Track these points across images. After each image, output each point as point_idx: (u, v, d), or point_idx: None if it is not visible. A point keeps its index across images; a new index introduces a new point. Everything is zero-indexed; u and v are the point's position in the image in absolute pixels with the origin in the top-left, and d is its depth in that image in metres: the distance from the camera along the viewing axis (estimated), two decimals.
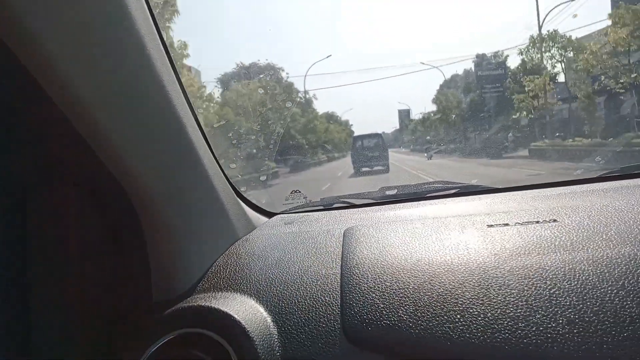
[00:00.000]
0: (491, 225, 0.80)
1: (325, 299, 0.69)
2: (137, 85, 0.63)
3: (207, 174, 0.82)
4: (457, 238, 0.77)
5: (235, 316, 0.65)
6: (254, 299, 0.72)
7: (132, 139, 0.63)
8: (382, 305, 0.63)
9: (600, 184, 1.10)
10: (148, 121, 0.67)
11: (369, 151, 17.99)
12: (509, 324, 0.56)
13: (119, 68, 0.59)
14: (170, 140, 0.72)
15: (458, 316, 0.59)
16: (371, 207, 1.18)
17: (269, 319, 0.68)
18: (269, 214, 1.20)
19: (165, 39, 0.68)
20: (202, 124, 0.82)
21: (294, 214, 1.19)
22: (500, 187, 1.22)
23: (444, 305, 0.61)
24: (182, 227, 0.76)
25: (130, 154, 0.63)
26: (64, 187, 0.65)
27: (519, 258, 0.67)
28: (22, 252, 0.64)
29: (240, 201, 1.03)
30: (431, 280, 0.66)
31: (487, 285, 0.62)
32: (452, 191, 1.24)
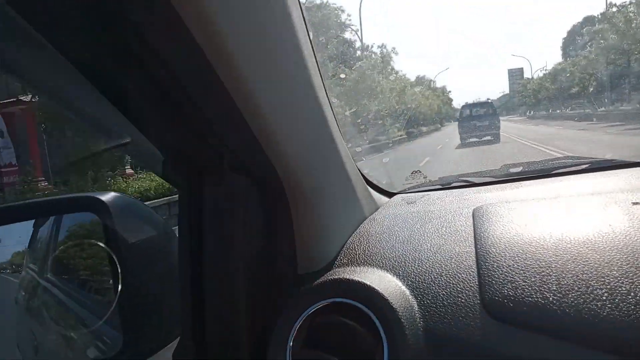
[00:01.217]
0: (636, 203, 0.75)
1: (462, 276, 0.71)
2: (293, 84, 0.72)
3: (342, 159, 0.89)
4: (598, 216, 0.74)
5: (378, 289, 0.71)
6: (390, 274, 0.77)
7: (289, 133, 0.72)
8: (523, 283, 0.64)
9: None
10: (299, 116, 0.75)
11: (479, 120, 17.12)
12: None
13: (283, 69, 0.68)
14: (315, 132, 0.80)
15: (606, 294, 0.58)
16: (494, 186, 1.16)
17: (407, 292, 0.72)
18: (389, 194, 1.24)
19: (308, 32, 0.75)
20: (334, 111, 0.89)
21: (413, 194, 1.21)
22: (636, 160, 1.11)
23: (589, 284, 0.60)
24: (322, 207, 0.83)
25: (283, 139, 0.71)
26: (234, 174, 0.76)
27: None
28: (199, 227, 0.77)
29: (365, 182, 1.08)
30: (575, 259, 0.65)
31: (637, 264, 0.60)
32: (584, 166, 1.16)
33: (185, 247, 0.78)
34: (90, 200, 0.87)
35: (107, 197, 0.86)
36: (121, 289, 0.85)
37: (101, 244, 0.89)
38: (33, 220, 1.01)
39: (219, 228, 0.77)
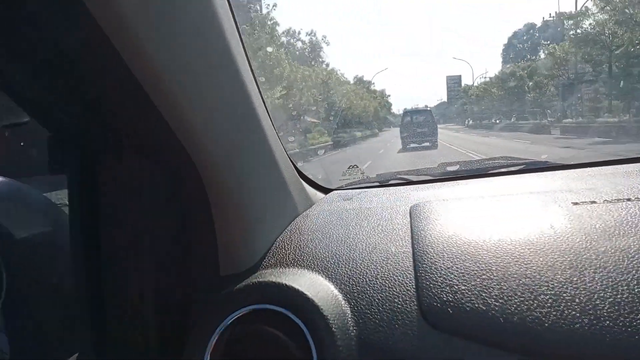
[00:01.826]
0: (576, 203, 0.73)
1: (399, 279, 0.65)
2: (208, 57, 0.61)
3: (271, 149, 0.80)
4: (539, 216, 0.72)
5: (307, 293, 0.63)
6: (322, 276, 0.70)
7: (203, 112, 0.61)
8: (463, 287, 0.60)
9: None
10: (218, 94, 0.65)
11: (419, 127, 18.31)
12: (609, 311, 0.51)
13: (193, 38, 0.57)
14: (237, 115, 0.70)
15: (550, 301, 0.54)
16: (431, 184, 1.13)
17: (340, 297, 0.66)
18: (325, 190, 1.17)
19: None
20: (263, 96, 0.80)
21: (350, 190, 1.16)
22: (572, 162, 1.13)
23: (533, 289, 0.56)
24: (248, 202, 0.74)
25: (201, 127, 0.62)
26: (135, 157, 0.65)
27: (615, 239, 0.61)
28: (94, 220, 0.65)
29: (298, 176, 1.00)
30: (517, 261, 0.61)
31: (581, 268, 0.57)
32: (520, 167, 1.16)
33: (78, 242, 0.66)
34: None
35: None
36: (4, 296, 0.71)
37: None
38: None
39: (119, 219, 0.66)
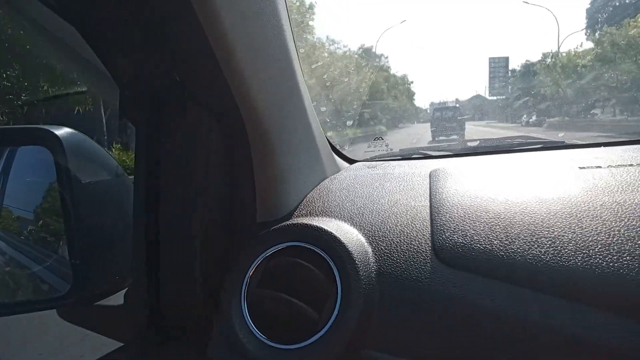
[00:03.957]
0: (583, 167, 0.80)
1: (416, 226, 0.74)
2: (266, 32, 0.72)
3: (307, 113, 0.89)
4: (546, 176, 0.79)
5: (335, 233, 0.72)
6: (347, 224, 0.79)
7: (257, 77, 0.72)
8: (472, 232, 0.68)
9: None
10: (270, 64, 0.76)
11: (447, 122, 20.76)
12: (600, 250, 0.58)
13: (256, 18, 0.69)
14: (283, 82, 0.81)
15: (549, 242, 0.62)
16: (452, 158, 1.20)
17: (363, 240, 0.74)
18: (351, 161, 1.26)
19: None
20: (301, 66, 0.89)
21: (375, 162, 1.24)
22: (590, 142, 1.17)
23: (535, 233, 0.64)
24: (284, 158, 0.84)
25: (255, 89, 0.72)
26: (196, 110, 0.75)
27: (613, 195, 0.68)
28: (157, 167, 0.76)
29: (328, 144, 1.09)
30: (522, 211, 0.69)
31: (580, 217, 0.64)
32: (538, 145, 1.22)
33: (142, 188, 0.77)
34: (42, 133, 0.82)
35: (62, 132, 0.82)
36: (71, 231, 0.82)
37: (52, 184, 0.86)
38: None
39: (179, 168, 0.77)
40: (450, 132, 19.58)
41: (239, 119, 0.74)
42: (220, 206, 0.82)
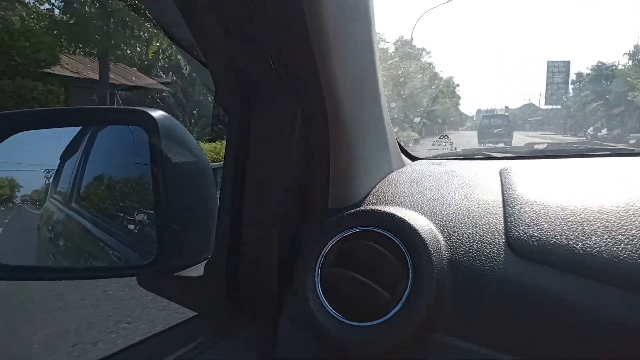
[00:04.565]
0: None
1: (489, 219, 0.75)
2: (355, 33, 0.79)
3: (380, 106, 0.93)
4: (621, 181, 0.79)
5: (407, 219, 0.75)
6: (418, 213, 0.81)
7: (344, 71, 0.77)
8: (547, 227, 0.69)
9: None
10: (355, 61, 0.81)
11: (495, 129, 21.31)
12: None
13: (350, 21, 0.75)
14: (364, 78, 0.86)
15: (627, 240, 0.62)
16: (518, 160, 1.19)
17: (434, 229, 0.76)
18: (414, 158, 1.28)
19: None
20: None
21: (438, 160, 1.26)
22: None
23: (611, 231, 0.65)
24: (358, 149, 0.88)
25: (340, 81, 0.76)
26: (285, 96, 0.80)
27: None
28: (245, 151, 0.82)
29: (395, 139, 1.12)
30: (599, 209, 0.69)
31: None
32: (606, 152, 1.20)
33: (230, 170, 0.83)
34: (141, 114, 0.91)
35: (157, 114, 0.90)
36: (160, 206, 0.90)
37: (144, 164, 0.95)
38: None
39: (264, 153, 0.82)
40: (498, 140, 19.95)
41: (323, 110, 0.79)
42: (297, 190, 0.87)
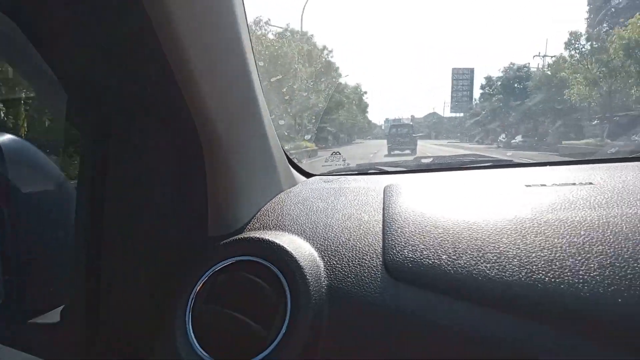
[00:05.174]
0: (529, 185, 0.84)
1: (368, 240, 0.74)
2: (220, 41, 0.71)
3: (264, 125, 0.89)
4: (495, 195, 0.82)
5: (285, 246, 0.72)
6: (300, 238, 0.78)
7: (212, 87, 0.70)
8: (422, 247, 0.69)
9: (630, 163, 1.12)
10: (226, 73, 0.75)
11: (401, 137, 23.03)
12: (543, 266, 0.61)
13: (212, 26, 0.67)
14: (239, 91, 0.80)
15: (494, 258, 0.64)
16: (406, 174, 1.23)
17: (315, 254, 0.74)
18: (308, 175, 1.26)
19: None
20: (260, 78, 0.89)
21: (332, 176, 1.25)
22: (537, 161, 1.24)
23: (481, 249, 0.66)
24: (239, 170, 0.82)
25: (209, 99, 0.70)
26: (148, 118, 0.72)
27: (555, 212, 0.71)
28: (102, 177, 0.72)
29: (286, 158, 1.09)
30: (470, 227, 0.71)
31: (524, 234, 0.67)
32: (487, 163, 1.27)
33: (85, 197, 0.73)
34: None
35: (1, 138, 0.78)
36: (7, 241, 0.77)
37: None
38: None
39: (125, 178, 0.74)
40: (405, 147, 21.49)
41: (192, 129, 0.72)
42: (170, 219, 0.79)
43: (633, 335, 0.53)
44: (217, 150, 0.77)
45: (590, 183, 0.82)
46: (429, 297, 0.63)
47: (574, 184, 0.83)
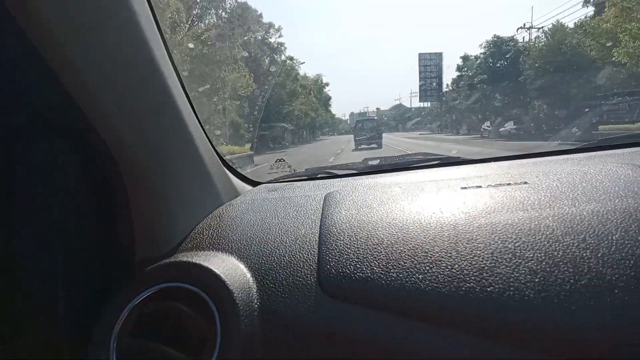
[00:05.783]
0: (465, 188, 0.83)
1: (303, 256, 0.71)
2: (123, 44, 0.64)
3: (192, 137, 0.83)
4: (431, 199, 0.80)
5: (215, 270, 0.68)
6: (234, 257, 0.74)
7: (118, 99, 0.65)
8: (356, 260, 0.66)
9: (577, 154, 1.13)
10: (134, 81, 0.68)
11: (368, 132, 22.90)
12: (475, 274, 0.59)
13: (106, 27, 0.61)
14: (155, 101, 0.73)
15: (427, 268, 0.62)
16: (354, 177, 1.21)
17: (248, 275, 0.70)
18: (254, 183, 1.22)
19: None
20: (186, 86, 0.83)
21: (278, 184, 1.21)
22: (479, 157, 1.25)
23: (414, 259, 0.64)
24: (166, 188, 0.77)
25: (116, 113, 0.65)
26: (54, 138, 0.66)
27: (489, 216, 0.70)
28: (7, 198, 0.66)
29: (226, 169, 1.04)
30: (404, 237, 0.68)
31: (456, 240, 0.65)
32: (433, 162, 1.27)
33: None
34: None
35: None
36: None
37: None
38: None
39: (34, 202, 0.67)
40: (371, 142, 21.61)
41: (102, 144, 0.67)
42: (90, 244, 0.73)
43: (563, 344, 0.52)
44: (136, 168, 0.71)
45: (525, 182, 0.81)
46: (362, 314, 0.61)
47: (509, 184, 0.82)
